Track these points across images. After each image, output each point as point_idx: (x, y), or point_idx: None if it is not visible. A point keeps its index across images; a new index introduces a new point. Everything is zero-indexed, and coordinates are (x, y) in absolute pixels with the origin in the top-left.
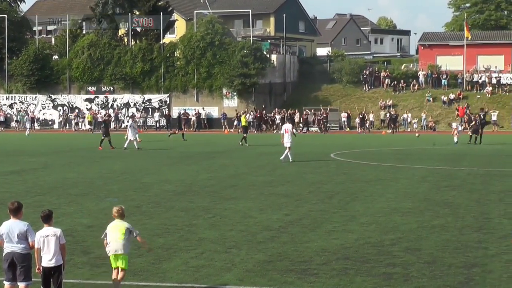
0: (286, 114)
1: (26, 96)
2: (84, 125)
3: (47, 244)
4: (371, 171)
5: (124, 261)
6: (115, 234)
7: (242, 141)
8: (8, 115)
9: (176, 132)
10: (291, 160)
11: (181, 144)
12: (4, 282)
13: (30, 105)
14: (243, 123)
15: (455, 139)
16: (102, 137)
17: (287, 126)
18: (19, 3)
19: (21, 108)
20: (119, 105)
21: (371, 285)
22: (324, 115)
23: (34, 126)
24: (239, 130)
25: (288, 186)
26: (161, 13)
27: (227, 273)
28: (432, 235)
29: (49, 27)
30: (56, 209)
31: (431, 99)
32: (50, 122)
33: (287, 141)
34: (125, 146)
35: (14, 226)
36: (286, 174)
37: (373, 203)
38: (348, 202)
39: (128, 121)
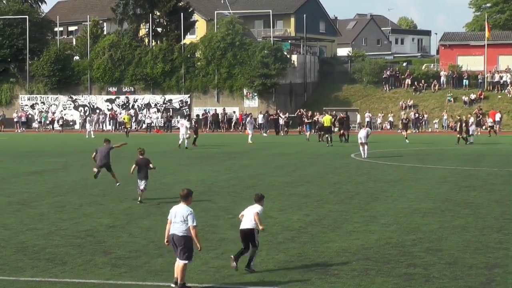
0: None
1: (48, 97)
2: (105, 125)
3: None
4: (391, 172)
5: None
6: None
7: (329, 143)
8: (30, 116)
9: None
10: (366, 156)
11: (201, 144)
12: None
13: (51, 105)
14: (326, 123)
15: (471, 139)
16: (194, 136)
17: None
18: (40, 4)
19: (43, 108)
20: (140, 105)
21: (392, 285)
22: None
23: (102, 127)
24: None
25: (308, 187)
26: (182, 14)
27: (248, 274)
28: (453, 235)
29: (70, 28)
30: (77, 209)
31: (452, 99)
32: (71, 123)
33: (362, 136)
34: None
35: (179, 210)
36: (306, 175)
37: (394, 204)
38: (369, 203)
39: (246, 119)
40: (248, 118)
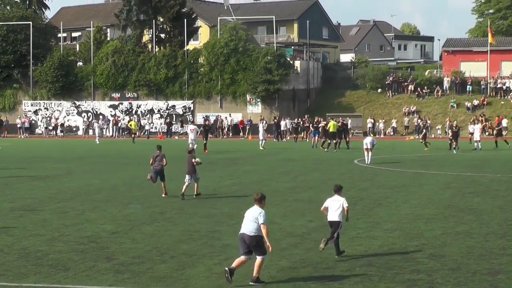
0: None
1: (51, 103)
2: (108, 131)
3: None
4: (395, 177)
5: None
6: None
7: (327, 148)
8: (33, 122)
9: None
10: (369, 162)
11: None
12: (241, 255)
13: (54, 111)
14: (331, 129)
15: (475, 145)
16: (204, 141)
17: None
18: (44, 10)
19: (46, 114)
20: (143, 111)
21: None
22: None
23: (103, 133)
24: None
25: (312, 192)
26: (185, 20)
27: (251, 278)
28: (456, 241)
29: (74, 34)
30: (80, 215)
31: (455, 105)
32: (74, 129)
33: (367, 142)
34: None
35: (251, 212)
36: (309, 181)
37: (397, 210)
38: (372, 209)
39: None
40: (261, 124)
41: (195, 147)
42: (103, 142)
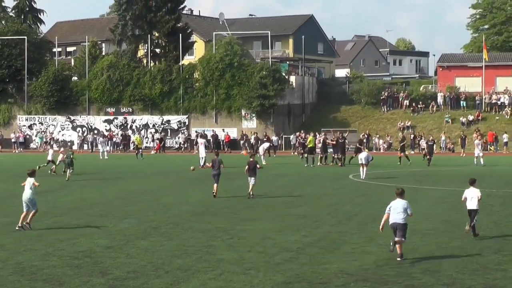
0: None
1: (46, 117)
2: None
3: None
4: (390, 193)
5: None
6: None
7: (308, 163)
8: (28, 136)
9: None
10: (364, 177)
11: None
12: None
13: (49, 126)
14: (310, 144)
15: (476, 161)
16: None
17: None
18: (38, 24)
19: (41, 129)
20: (138, 126)
21: None
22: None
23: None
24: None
25: (307, 207)
26: (180, 35)
27: None
28: (451, 256)
29: (69, 49)
30: (74, 230)
31: (449, 120)
32: (69, 143)
33: (362, 158)
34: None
35: (398, 203)
36: (304, 195)
37: None
38: (367, 224)
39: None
40: (267, 144)
41: (202, 160)
42: (96, 156)
